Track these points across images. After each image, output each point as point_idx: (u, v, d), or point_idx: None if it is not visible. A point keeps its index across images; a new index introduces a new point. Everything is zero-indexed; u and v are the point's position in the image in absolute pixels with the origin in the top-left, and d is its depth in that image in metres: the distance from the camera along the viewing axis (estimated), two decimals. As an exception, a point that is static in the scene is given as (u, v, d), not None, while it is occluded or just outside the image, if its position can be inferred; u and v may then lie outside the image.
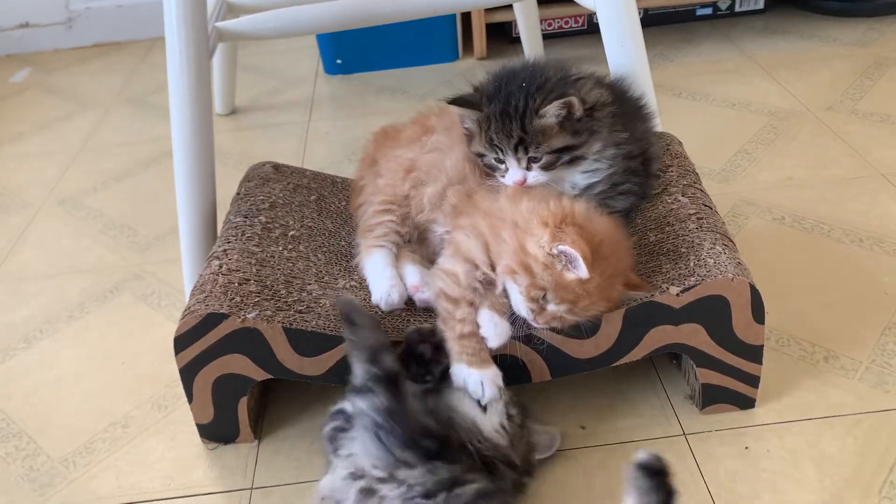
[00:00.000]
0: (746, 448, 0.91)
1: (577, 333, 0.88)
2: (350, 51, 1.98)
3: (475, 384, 0.84)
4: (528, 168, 0.91)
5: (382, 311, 0.93)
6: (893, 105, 1.59)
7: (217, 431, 0.98)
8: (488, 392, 0.84)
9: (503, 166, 0.92)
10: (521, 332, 0.89)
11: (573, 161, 0.91)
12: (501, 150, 0.91)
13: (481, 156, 0.94)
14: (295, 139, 1.72)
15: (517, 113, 0.89)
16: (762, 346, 0.90)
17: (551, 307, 0.83)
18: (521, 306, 0.85)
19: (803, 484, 0.87)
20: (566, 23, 2.05)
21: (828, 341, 1.05)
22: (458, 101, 0.93)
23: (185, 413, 1.00)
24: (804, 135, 1.53)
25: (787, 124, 1.57)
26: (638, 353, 0.90)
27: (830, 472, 0.88)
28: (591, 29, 2.04)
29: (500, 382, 0.85)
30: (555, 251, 0.82)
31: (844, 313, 1.09)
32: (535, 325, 0.86)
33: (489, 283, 0.88)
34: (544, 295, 0.83)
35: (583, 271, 0.81)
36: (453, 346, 0.85)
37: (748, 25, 2.03)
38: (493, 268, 0.87)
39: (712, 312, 0.87)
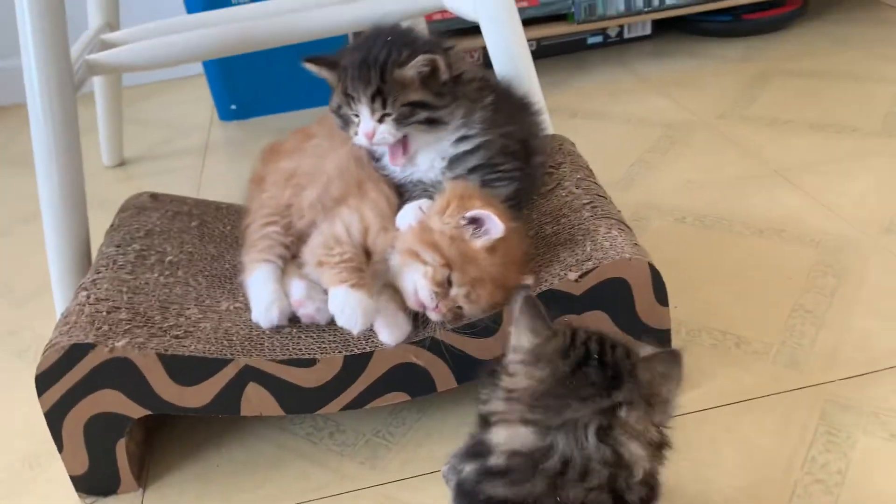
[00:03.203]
0: (666, 439, 0.87)
1: (470, 332, 0.83)
2: (244, 95, 1.93)
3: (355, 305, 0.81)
4: (381, 121, 0.88)
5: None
6: (779, 109, 1.64)
7: (95, 482, 0.88)
8: (362, 319, 0.81)
9: (357, 119, 0.90)
10: (419, 335, 0.83)
11: (431, 122, 0.89)
12: (356, 100, 0.89)
13: (339, 108, 0.92)
14: (189, 183, 1.65)
15: (377, 63, 0.87)
16: (669, 329, 0.88)
17: (453, 291, 0.80)
18: (424, 291, 0.81)
19: (726, 469, 0.83)
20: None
21: (738, 328, 1.03)
22: (313, 60, 0.93)
23: (61, 468, 0.89)
24: (699, 142, 1.55)
25: (682, 133, 1.59)
26: (544, 348, 0.86)
27: (752, 454, 0.84)
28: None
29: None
30: (463, 220, 0.81)
31: (752, 300, 1.08)
32: (433, 315, 0.82)
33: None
34: (448, 276, 0.80)
35: (497, 227, 0.79)
36: (331, 272, 0.83)
37: (638, 50, 2.09)
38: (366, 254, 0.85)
39: (614, 297, 0.84)
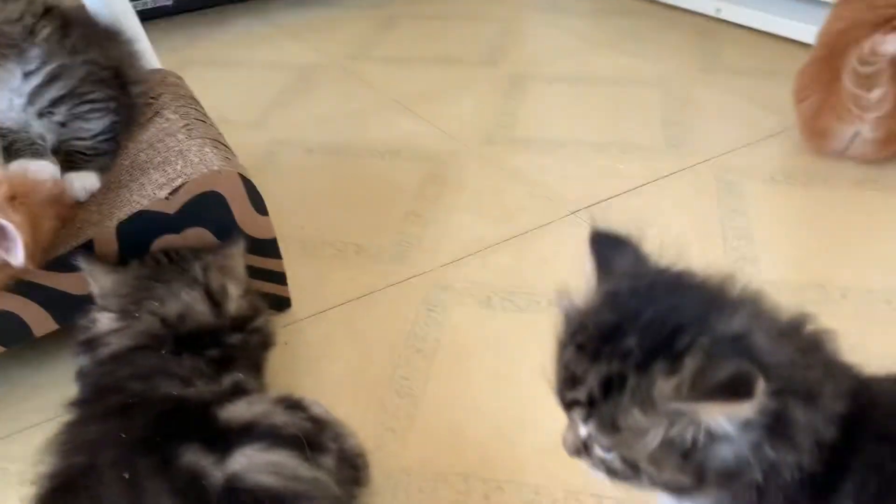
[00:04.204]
0: (286, 343, 0.91)
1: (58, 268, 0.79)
2: None
3: None
4: None
5: None
6: (403, 49, 1.77)
7: None
8: None
9: None
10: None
11: None
12: None
13: None
14: None
15: None
16: (275, 238, 0.91)
17: None
18: None
19: (338, 357, 0.89)
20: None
21: (357, 238, 1.10)
22: None
23: None
24: (329, 81, 1.62)
25: (315, 74, 1.65)
26: (145, 272, 0.84)
27: (363, 341, 0.92)
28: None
29: None
30: None
31: (371, 213, 1.16)
32: None
33: None
34: None
35: (17, 259, 0.73)
36: None
37: (280, 2, 2.11)
38: None
39: (211, 212, 0.85)
